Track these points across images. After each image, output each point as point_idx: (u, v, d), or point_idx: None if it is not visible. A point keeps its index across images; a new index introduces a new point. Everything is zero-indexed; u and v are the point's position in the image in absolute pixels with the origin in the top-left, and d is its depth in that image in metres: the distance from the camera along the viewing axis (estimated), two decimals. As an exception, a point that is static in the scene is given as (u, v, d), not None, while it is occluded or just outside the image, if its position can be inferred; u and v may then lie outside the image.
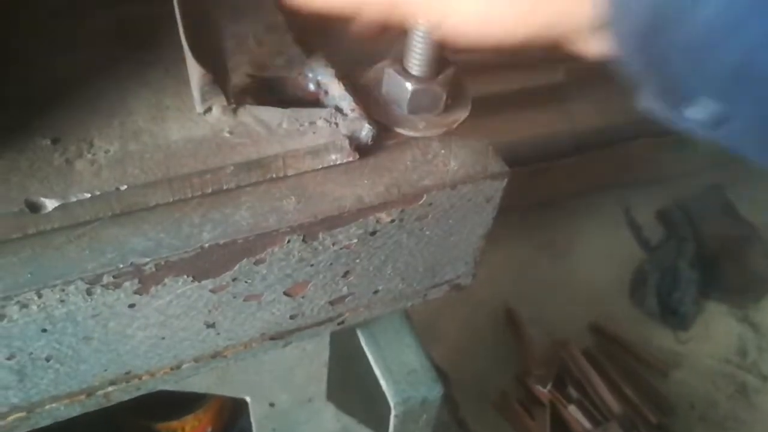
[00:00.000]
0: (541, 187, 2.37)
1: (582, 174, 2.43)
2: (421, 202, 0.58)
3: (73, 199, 0.47)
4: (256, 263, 0.51)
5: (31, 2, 0.67)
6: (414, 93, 0.60)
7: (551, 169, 2.41)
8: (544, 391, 1.60)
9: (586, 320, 2.03)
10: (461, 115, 0.65)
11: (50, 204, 0.47)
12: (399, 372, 0.79)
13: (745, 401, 1.91)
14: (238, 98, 0.58)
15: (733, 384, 1.94)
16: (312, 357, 0.76)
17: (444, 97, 0.62)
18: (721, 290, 2.24)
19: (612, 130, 2.44)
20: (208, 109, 0.56)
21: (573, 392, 1.64)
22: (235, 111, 0.57)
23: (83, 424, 0.59)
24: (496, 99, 2.12)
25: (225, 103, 0.56)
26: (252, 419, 0.82)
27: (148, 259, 0.46)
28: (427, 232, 0.62)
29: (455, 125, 0.64)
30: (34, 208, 0.46)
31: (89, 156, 0.50)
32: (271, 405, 0.80)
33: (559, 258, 2.29)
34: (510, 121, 2.27)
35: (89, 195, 0.47)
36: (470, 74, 0.69)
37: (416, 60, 0.60)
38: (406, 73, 0.61)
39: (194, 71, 0.54)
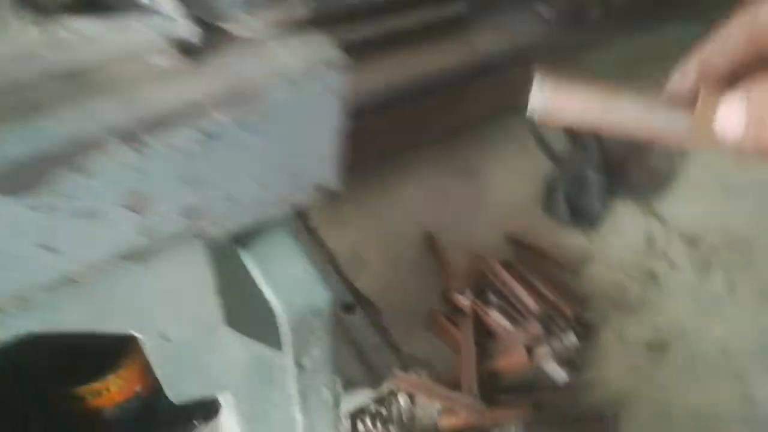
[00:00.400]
0: (451, 114, 2.41)
1: (489, 97, 2.47)
2: (259, 98, 0.57)
3: None
4: (77, 171, 0.49)
5: None
6: None
7: (459, 96, 2.45)
8: (465, 303, 1.66)
9: (502, 235, 2.10)
10: (299, 10, 0.64)
11: None
12: (284, 283, 0.79)
13: (655, 286, 2.04)
14: (47, 10, 0.55)
15: (642, 272, 2.07)
16: (195, 279, 0.75)
17: None
18: (627, 190, 2.36)
19: (514, 53, 2.49)
20: (12, 22, 0.53)
21: (493, 299, 1.71)
22: (42, 22, 0.54)
23: None
24: (398, 35, 2.13)
25: (36, 19, 0.53)
26: (149, 359, 0.81)
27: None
28: (272, 131, 0.61)
29: (293, 23, 0.63)
30: None
31: None
32: (165, 338, 0.79)
33: (473, 181, 2.34)
34: (414, 56, 2.28)
35: None
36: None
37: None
38: None
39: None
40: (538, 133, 2.58)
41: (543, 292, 1.77)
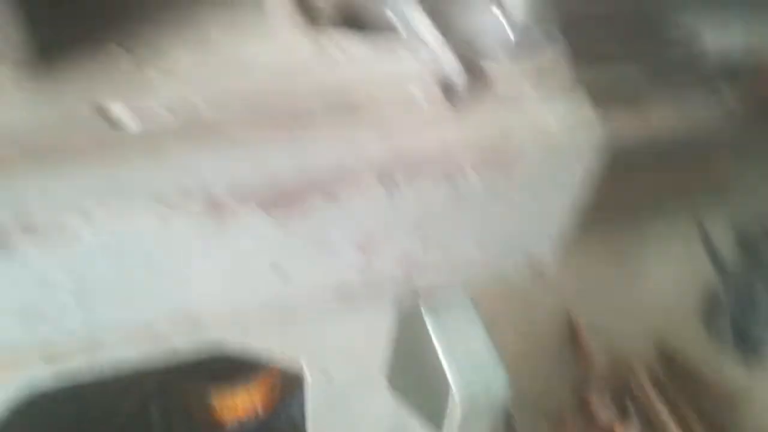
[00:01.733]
0: (614, 192, 2.26)
1: (658, 181, 2.30)
2: (509, 150, 0.52)
3: (145, 108, 0.43)
4: (330, 200, 0.46)
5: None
6: (504, 27, 0.55)
7: (626, 172, 2.29)
8: (603, 416, 1.49)
9: (651, 338, 1.90)
10: (554, 52, 0.58)
11: (120, 110, 0.43)
12: (465, 361, 0.72)
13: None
14: (316, 20, 0.54)
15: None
16: (375, 328, 0.71)
17: (535, 33, 0.56)
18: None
19: (691, 136, 2.31)
20: (286, 29, 0.52)
21: (636, 420, 1.52)
22: (313, 33, 0.53)
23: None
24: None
25: (303, 24, 0.52)
26: (306, 391, 0.78)
27: (219, 184, 0.42)
28: (515, 196, 0.55)
29: (548, 64, 0.57)
30: (104, 113, 0.43)
31: (162, 65, 0.47)
32: (328, 378, 0.76)
33: (627, 271, 2.16)
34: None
35: (158, 104, 0.44)
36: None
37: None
38: (495, 3, 0.55)
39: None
40: (706, 235, 2.35)
41: (691, 425, 1.55)
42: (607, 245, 2.21)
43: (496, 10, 0.55)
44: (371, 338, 0.71)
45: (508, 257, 0.64)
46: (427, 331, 0.75)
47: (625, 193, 2.23)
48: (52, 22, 0.48)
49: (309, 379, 0.73)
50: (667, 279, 2.15)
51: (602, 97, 0.59)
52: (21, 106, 0.43)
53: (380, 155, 0.46)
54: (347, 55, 0.52)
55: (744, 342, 1.98)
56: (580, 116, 0.55)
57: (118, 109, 0.43)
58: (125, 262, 0.43)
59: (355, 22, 0.56)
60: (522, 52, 0.57)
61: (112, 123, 0.43)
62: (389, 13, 0.56)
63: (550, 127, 0.54)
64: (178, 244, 0.43)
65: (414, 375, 0.80)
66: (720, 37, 2.10)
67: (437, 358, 0.73)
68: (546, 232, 0.62)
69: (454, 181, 0.50)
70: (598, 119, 0.55)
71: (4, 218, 0.38)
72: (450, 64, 0.53)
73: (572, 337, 1.83)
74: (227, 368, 1.15)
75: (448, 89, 0.53)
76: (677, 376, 1.75)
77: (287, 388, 1.18)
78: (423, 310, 0.74)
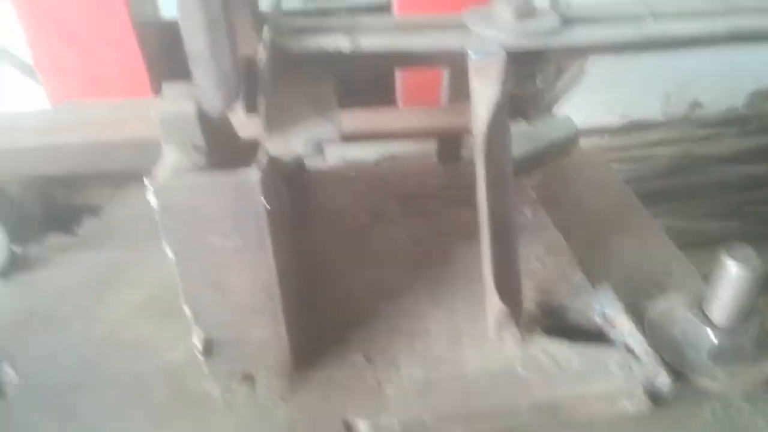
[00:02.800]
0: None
1: None
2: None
3: (383, 423, 0.50)
4: None
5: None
6: (717, 343, 0.56)
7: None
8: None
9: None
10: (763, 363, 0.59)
11: (363, 426, 0.50)
12: None
13: None
14: (527, 327, 0.59)
15: None
16: None
17: (750, 349, 0.57)
18: None
19: None
20: (502, 339, 0.58)
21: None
22: (525, 342, 0.58)
23: None
24: None
25: (518, 335, 0.58)
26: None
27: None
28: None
29: (762, 379, 0.57)
30: (349, 428, 0.51)
31: (397, 381, 0.54)
32: None
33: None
34: None
35: (396, 421, 0.51)
36: None
37: (721, 307, 0.56)
38: (706, 319, 0.58)
39: (493, 302, 0.57)
40: None
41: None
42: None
43: (699, 319, 0.57)
44: None
45: None
46: None
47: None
48: (302, 329, 0.59)
49: None
50: None
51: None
52: (281, 424, 0.51)
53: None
54: (559, 367, 0.56)
55: None
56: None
57: (363, 427, 0.50)
58: None
59: (560, 320, 0.62)
60: (727, 358, 0.58)
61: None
62: (596, 318, 0.61)
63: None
64: None
65: None
66: None
67: None
68: None
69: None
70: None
71: None
72: (659, 377, 0.55)
73: None
74: None
75: (654, 396, 0.55)
76: None
77: None
78: None
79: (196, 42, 0.41)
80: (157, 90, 0.92)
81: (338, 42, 0.53)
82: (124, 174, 0.88)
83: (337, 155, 0.90)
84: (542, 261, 0.70)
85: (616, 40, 0.56)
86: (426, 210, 0.79)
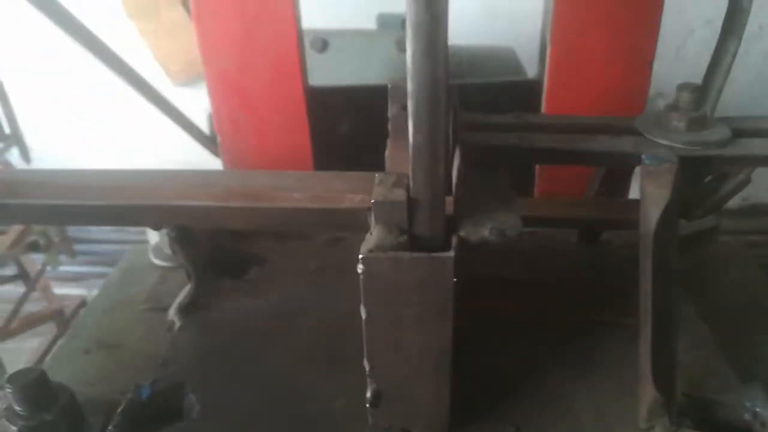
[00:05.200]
0: None
1: None
2: None
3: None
4: None
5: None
6: None
7: None
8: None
9: None
10: None
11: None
12: None
13: None
14: (677, 419, 0.61)
15: None
16: None
17: None
18: None
19: None
20: (651, 428, 0.60)
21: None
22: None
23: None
24: None
25: (668, 425, 0.60)
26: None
27: None
28: None
29: None
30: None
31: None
32: None
33: None
34: None
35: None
36: None
37: None
38: None
39: (647, 390, 0.60)
40: None
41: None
42: None
43: None
44: None
45: None
46: None
47: None
48: (459, 394, 0.63)
49: None
50: None
51: None
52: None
53: None
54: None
55: None
56: None
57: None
58: None
59: (708, 414, 0.63)
60: None
61: None
62: (746, 415, 0.62)
63: None
64: None
65: None
66: None
67: None
68: None
69: None
70: None
71: None
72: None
73: None
74: None
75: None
76: None
77: None
78: None
79: (418, 138, 0.49)
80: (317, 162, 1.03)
81: (519, 140, 0.60)
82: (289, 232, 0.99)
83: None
84: (689, 353, 0.71)
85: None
86: (568, 288, 0.82)
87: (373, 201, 0.52)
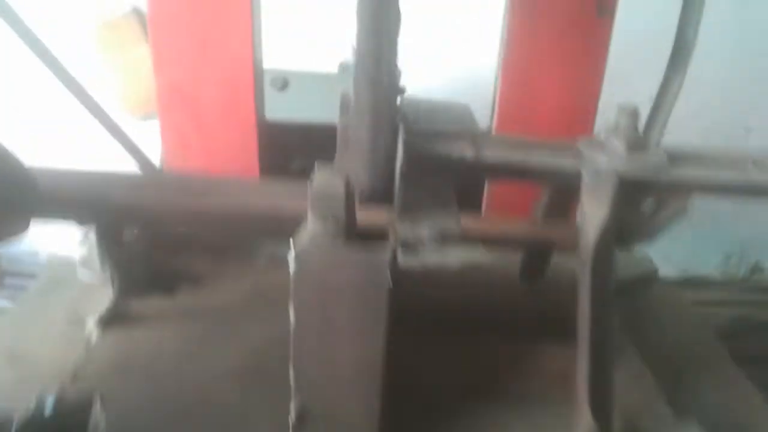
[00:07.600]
0: None
1: None
2: None
3: None
4: None
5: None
6: None
7: None
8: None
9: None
10: None
11: None
12: None
13: None
14: None
15: None
16: None
17: None
18: None
19: None
20: None
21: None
22: None
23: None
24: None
25: None
26: None
27: None
28: None
29: None
30: None
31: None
32: None
33: None
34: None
35: None
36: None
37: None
38: None
39: (584, 417, 0.57)
40: None
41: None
42: None
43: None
44: None
45: None
46: None
47: None
48: (389, 414, 0.59)
49: None
50: None
51: None
52: None
53: None
54: None
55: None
56: None
57: None
58: None
59: None
60: None
61: None
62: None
63: None
64: None
65: None
66: None
67: None
68: None
69: None
70: None
71: None
72: None
73: None
74: None
75: None
76: None
77: None
78: None
79: (359, 134, 0.48)
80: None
81: (464, 150, 0.59)
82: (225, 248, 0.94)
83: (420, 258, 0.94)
84: (626, 387, 0.69)
85: (719, 182, 0.60)
86: (504, 323, 0.81)
87: (309, 191, 0.50)
